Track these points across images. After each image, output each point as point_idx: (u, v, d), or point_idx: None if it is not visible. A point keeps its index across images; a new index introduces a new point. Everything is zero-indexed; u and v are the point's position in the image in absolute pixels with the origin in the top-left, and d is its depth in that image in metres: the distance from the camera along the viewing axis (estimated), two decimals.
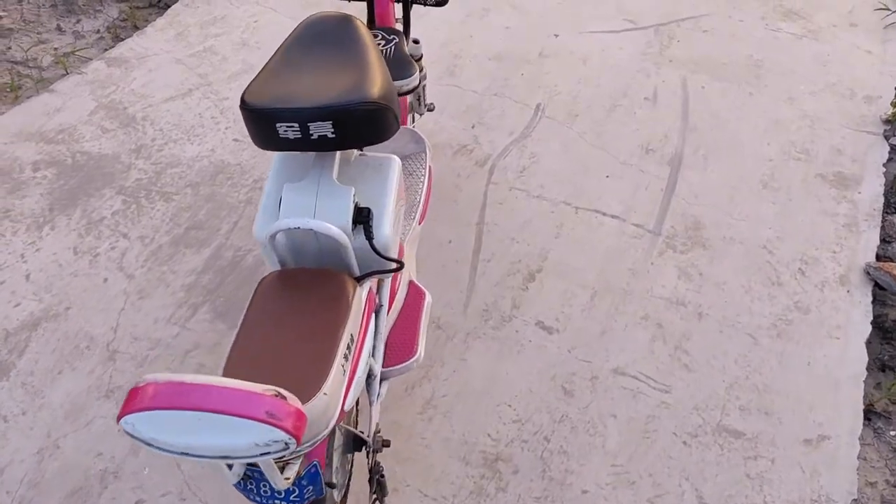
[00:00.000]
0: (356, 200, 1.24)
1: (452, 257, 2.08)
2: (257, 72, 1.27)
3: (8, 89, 2.67)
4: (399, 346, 1.47)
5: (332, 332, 1.07)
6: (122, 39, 2.95)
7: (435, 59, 2.81)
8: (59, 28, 2.98)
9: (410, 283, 1.64)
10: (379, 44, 1.62)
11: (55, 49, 2.88)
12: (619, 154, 2.41)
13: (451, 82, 2.70)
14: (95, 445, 1.67)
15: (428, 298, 1.60)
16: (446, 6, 1.84)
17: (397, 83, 1.52)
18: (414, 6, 3.09)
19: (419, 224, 1.79)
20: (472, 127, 2.51)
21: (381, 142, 1.21)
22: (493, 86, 2.69)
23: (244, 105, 1.12)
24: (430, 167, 1.91)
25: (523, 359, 1.85)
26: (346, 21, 1.30)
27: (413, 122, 2.27)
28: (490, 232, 2.15)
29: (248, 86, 1.16)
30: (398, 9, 1.96)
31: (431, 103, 2.23)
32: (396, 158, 1.36)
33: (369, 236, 1.23)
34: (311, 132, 1.13)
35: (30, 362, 1.83)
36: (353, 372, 1.12)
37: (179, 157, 2.40)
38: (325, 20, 1.30)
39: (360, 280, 1.25)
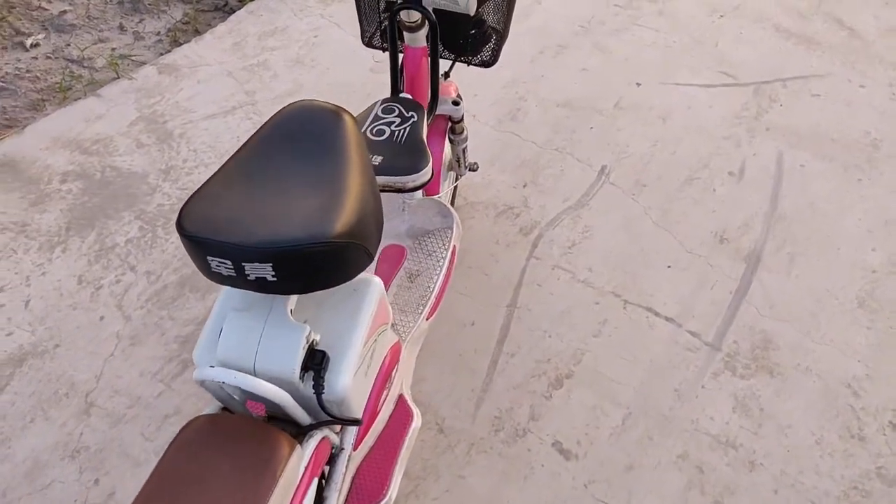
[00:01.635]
0: (312, 339, 1.02)
1: (472, 344, 1.84)
2: (210, 176, 1.05)
3: (58, 89, 2.61)
4: (366, 486, 1.24)
5: None
6: (180, 44, 2.85)
7: (496, 100, 2.55)
8: (121, 27, 2.91)
9: (400, 397, 1.41)
10: (391, 123, 1.38)
11: (112, 49, 2.80)
12: (687, 240, 2.09)
13: (511, 129, 2.44)
14: None
15: (415, 423, 1.37)
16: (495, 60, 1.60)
17: (401, 179, 1.28)
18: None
19: (427, 319, 1.55)
20: (524, 186, 2.24)
21: (342, 283, 0.98)
22: (557, 138, 2.40)
23: (178, 226, 0.91)
24: (454, 248, 1.67)
25: (530, 486, 1.59)
26: (333, 118, 1.07)
27: (455, 180, 2.03)
28: (521, 318, 1.89)
29: (190, 198, 0.96)
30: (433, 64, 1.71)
31: (475, 163, 1.99)
32: (377, 281, 1.13)
33: (318, 388, 1.01)
34: (246, 272, 0.91)
35: (6, 404, 1.72)
36: None
37: None
38: (306, 113, 1.07)
39: (310, 429, 1.03)
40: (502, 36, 1.64)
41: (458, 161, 1.90)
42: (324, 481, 1.15)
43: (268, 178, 0.99)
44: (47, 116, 2.49)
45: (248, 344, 1.00)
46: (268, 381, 1.00)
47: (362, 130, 1.36)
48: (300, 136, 1.04)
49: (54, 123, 2.45)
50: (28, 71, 2.63)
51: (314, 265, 0.92)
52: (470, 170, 1.99)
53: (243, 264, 0.90)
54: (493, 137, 2.41)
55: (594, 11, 3.01)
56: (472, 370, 1.79)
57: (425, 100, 1.54)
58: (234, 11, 3.02)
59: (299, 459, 0.98)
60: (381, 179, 1.27)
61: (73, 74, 2.67)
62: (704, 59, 2.76)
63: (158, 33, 2.91)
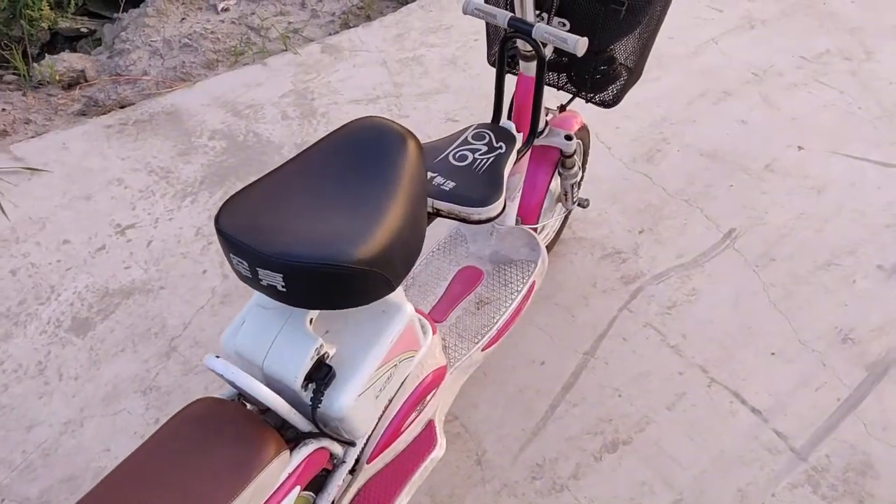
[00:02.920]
0: (324, 352, 1.03)
1: (536, 383, 1.77)
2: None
3: (232, 53, 2.84)
4: (369, 501, 1.24)
5: None
6: (350, 27, 2.99)
7: (637, 137, 2.42)
8: (302, 3, 3.10)
9: (430, 423, 1.39)
10: (477, 150, 1.35)
11: (289, 23, 2.99)
12: (804, 330, 1.87)
13: (644, 170, 2.31)
14: (109, 439, 1.70)
15: (436, 453, 1.34)
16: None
17: (466, 209, 1.24)
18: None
19: (483, 350, 1.52)
20: (640, 232, 2.12)
21: (355, 306, 0.98)
22: (690, 189, 2.24)
23: (216, 217, 0.96)
24: (532, 283, 1.62)
25: None
26: (397, 141, 1.06)
27: (565, 214, 1.97)
28: (594, 370, 1.80)
29: (235, 194, 0.99)
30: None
31: (586, 199, 1.91)
32: (407, 310, 1.11)
33: (315, 401, 1.01)
34: (259, 277, 0.93)
35: (106, 330, 1.91)
36: None
37: None
38: (371, 131, 1.07)
39: (305, 437, 1.05)
40: (632, 77, 1.55)
41: (565, 195, 1.83)
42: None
43: (311, 190, 1.01)
44: (217, 76, 2.72)
45: (263, 342, 1.03)
46: (274, 380, 1.03)
47: (446, 153, 1.35)
48: (358, 153, 1.05)
49: (220, 83, 2.67)
50: (212, 32, 2.89)
51: (325, 286, 0.93)
52: (579, 205, 1.91)
53: (257, 269, 0.92)
54: (622, 175, 2.30)
55: (775, 60, 2.77)
56: (529, 410, 1.72)
57: (535, 124, 1.49)
58: (407, 2, 3.12)
59: (283, 465, 0.99)
60: (446, 206, 1.25)
61: (248, 41, 2.89)
62: (890, 133, 2.45)
63: (333, 14, 3.07)
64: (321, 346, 1.02)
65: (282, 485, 1.00)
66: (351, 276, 0.92)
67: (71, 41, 3.02)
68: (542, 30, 1.27)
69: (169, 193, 2.27)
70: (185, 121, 2.52)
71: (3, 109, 2.56)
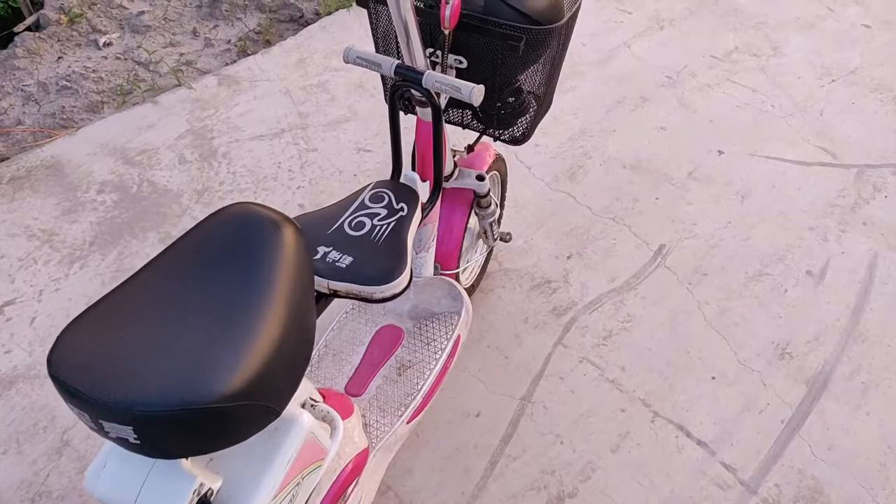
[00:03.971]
0: (207, 490, 0.87)
1: (472, 438, 1.65)
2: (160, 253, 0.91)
3: (119, 92, 2.61)
4: None
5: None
6: (248, 55, 2.79)
7: (557, 154, 2.34)
8: (194, 32, 2.89)
9: None
10: (375, 214, 1.21)
11: (181, 55, 2.78)
12: (742, 349, 1.81)
13: (567, 188, 2.22)
14: None
15: None
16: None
17: (366, 289, 1.11)
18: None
19: (408, 423, 1.38)
20: (568, 257, 2.03)
21: (233, 445, 0.83)
22: (616, 206, 2.17)
23: (48, 359, 0.79)
24: (457, 337, 1.49)
25: None
26: (270, 230, 0.90)
27: (486, 251, 1.85)
28: (533, 416, 1.69)
29: (71, 322, 0.82)
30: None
31: (507, 233, 1.81)
32: (302, 422, 0.96)
33: None
34: (106, 430, 0.77)
35: None
36: None
37: None
38: (240, 221, 0.91)
39: None
40: (542, 107, 1.44)
41: (485, 233, 1.71)
42: None
43: (165, 306, 0.84)
44: (103, 120, 2.49)
45: (129, 490, 0.86)
46: None
47: (341, 221, 1.20)
48: (223, 252, 0.89)
49: (107, 128, 2.44)
50: (94, 71, 2.65)
51: (187, 432, 0.77)
52: (502, 240, 1.80)
53: (101, 422, 0.76)
54: (546, 196, 2.20)
55: (687, 61, 2.73)
56: (467, 469, 1.60)
57: (439, 175, 1.36)
58: (308, 24, 2.95)
59: None
60: (343, 286, 1.11)
61: (137, 78, 2.66)
62: (804, 129, 2.44)
63: (229, 41, 2.87)
64: (200, 485, 0.86)
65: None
66: (220, 416, 0.76)
67: None
68: (432, 78, 1.14)
69: (54, 259, 2.04)
70: (68, 174, 2.28)
71: None
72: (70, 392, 0.75)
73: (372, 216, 1.20)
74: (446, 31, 1.17)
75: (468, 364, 1.78)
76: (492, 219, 1.66)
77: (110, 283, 1.98)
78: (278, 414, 0.85)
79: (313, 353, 1.47)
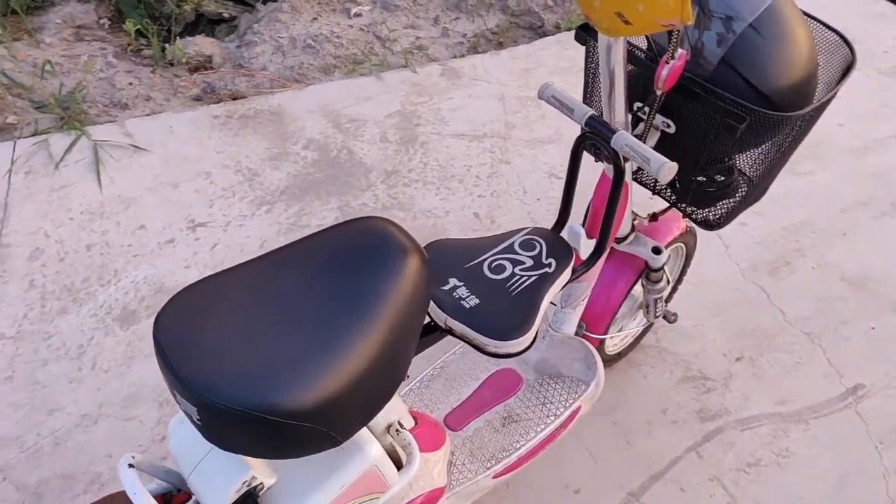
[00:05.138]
0: (257, 484, 0.86)
1: None
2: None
3: (351, 61, 2.75)
4: None
5: None
6: (478, 52, 2.81)
7: (764, 240, 2.06)
8: (435, 20, 2.96)
9: None
10: (519, 262, 1.10)
11: (417, 38, 2.87)
12: None
13: (763, 283, 1.96)
14: (114, 445, 1.64)
15: None
16: None
17: (482, 339, 1.01)
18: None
19: (494, 478, 1.28)
20: (737, 359, 1.78)
21: (287, 459, 0.80)
22: (816, 321, 1.87)
23: (157, 317, 0.81)
24: (577, 409, 1.36)
25: None
26: (396, 255, 0.85)
27: (643, 322, 1.68)
28: None
29: (182, 290, 0.84)
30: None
31: (674, 314, 1.61)
32: (370, 454, 0.91)
33: None
34: (177, 399, 0.78)
35: (148, 327, 1.86)
36: None
37: (413, 202, 2.19)
38: (369, 236, 0.87)
39: None
40: (752, 194, 1.25)
41: (647, 307, 1.54)
42: None
43: (275, 301, 0.83)
44: (330, 83, 2.64)
45: (193, 455, 0.89)
46: (199, 498, 0.88)
47: (483, 259, 1.12)
48: (347, 262, 0.86)
49: (330, 91, 2.59)
50: (338, 37, 2.82)
51: (246, 434, 0.76)
52: (665, 319, 1.61)
53: (175, 392, 0.77)
54: (735, 284, 1.96)
55: None
56: None
57: (605, 239, 1.23)
58: (545, 35, 2.90)
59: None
60: (459, 327, 1.03)
61: (371, 51, 2.79)
62: None
63: (464, 35, 2.91)
64: (252, 478, 0.86)
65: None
66: (279, 429, 0.74)
67: (213, 24, 3.07)
68: (622, 140, 1.02)
69: (248, 198, 2.20)
70: (286, 124, 2.45)
71: (131, 83, 2.62)
72: (161, 354, 0.78)
73: (515, 263, 1.11)
74: (659, 92, 1.04)
75: (586, 434, 1.63)
76: (658, 295, 1.49)
77: (285, 234, 2.10)
78: (339, 443, 0.82)
79: (427, 371, 1.43)
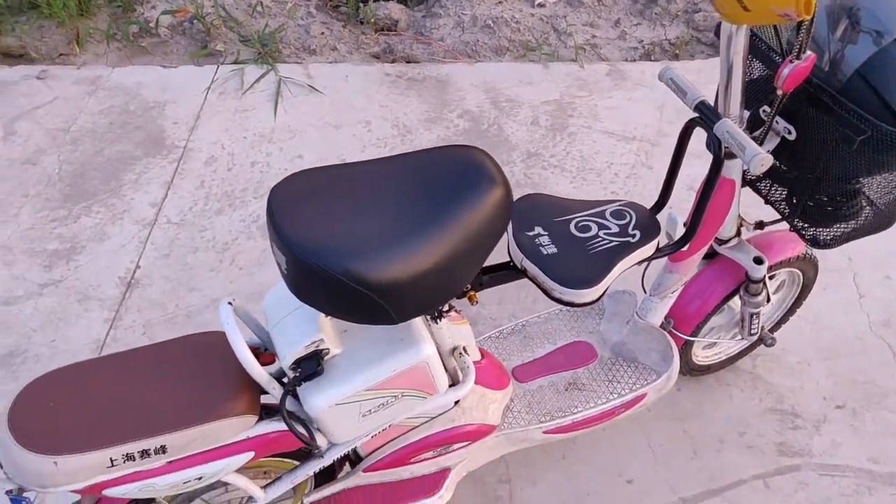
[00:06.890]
0: (324, 348, 1.00)
1: (608, 498, 1.54)
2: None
3: (524, 47, 2.85)
4: None
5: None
6: (650, 60, 2.82)
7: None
8: (616, 22, 2.99)
9: (445, 470, 1.28)
10: (606, 227, 1.14)
11: (593, 36, 2.92)
12: None
13: (892, 340, 1.83)
14: None
15: (431, 501, 1.24)
16: None
17: (549, 283, 1.07)
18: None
19: (545, 433, 1.34)
20: (837, 407, 1.69)
21: (347, 321, 0.93)
22: None
23: (279, 183, 0.97)
24: (641, 396, 1.38)
25: None
26: (487, 181, 0.95)
27: (742, 342, 1.65)
28: None
29: (302, 171, 0.99)
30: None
31: (772, 337, 1.57)
32: (424, 351, 1.02)
33: (288, 385, 0.99)
34: (274, 249, 0.93)
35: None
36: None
37: (545, 184, 2.27)
38: (468, 162, 0.97)
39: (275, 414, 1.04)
40: (876, 222, 1.21)
41: (742, 322, 1.51)
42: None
43: (370, 190, 0.97)
44: (499, 63, 2.77)
45: (280, 311, 1.04)
46: (276, 349, 1.04)
47: (572, 217, 1.19)
48: (438, 176, 0.97)
49: (497, 70, 2.72)
50: (517, 22, 2.94)
51: (315, 285, 0.90)
52: (761, 340, 1.57)
53: (273, 244, 0.92)
54: (858, 333, 1.84)
55: None
56: None
57: (704, 235, 1.24)
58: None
59: (243, 426, 0.99)
60: (532, 268, 1.11)
61: (545, 41, 2.88)
62: None
63: (641, 41, 2.92)
64: (321, 340, 1.00)
65: (234, 444, 1.00)
66: (343, 289, 0.88)
67: None
68: (724, 127, 1.04)
69: (397, 149, 2.39)
70: (448, 93, 2.62)
71: (322, 33, 2.91)
72: (269, 215, 0.94)
73: (601, 227, 1.17)
74: (779, 92, 1.05)
75: (653, 432, 1.64)
76: (756, 310, 1.46)
77: None
78: (395, 322, 0.93)
79: (507, 325, 1.51)
